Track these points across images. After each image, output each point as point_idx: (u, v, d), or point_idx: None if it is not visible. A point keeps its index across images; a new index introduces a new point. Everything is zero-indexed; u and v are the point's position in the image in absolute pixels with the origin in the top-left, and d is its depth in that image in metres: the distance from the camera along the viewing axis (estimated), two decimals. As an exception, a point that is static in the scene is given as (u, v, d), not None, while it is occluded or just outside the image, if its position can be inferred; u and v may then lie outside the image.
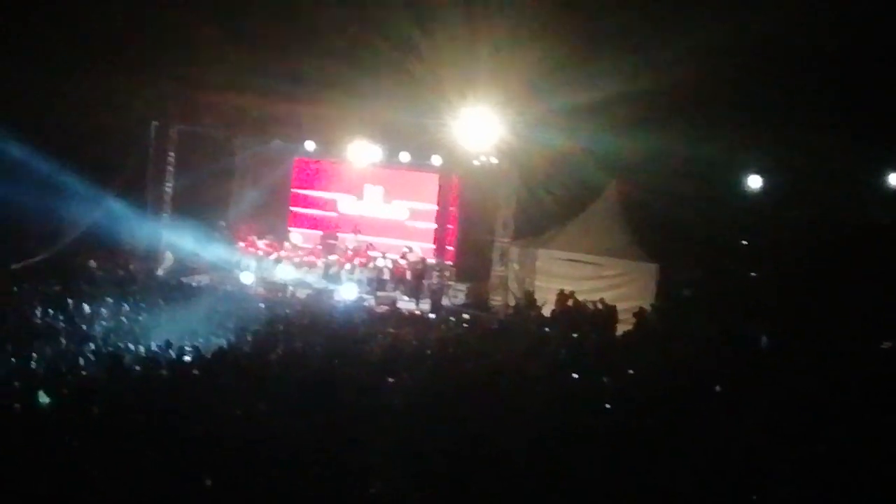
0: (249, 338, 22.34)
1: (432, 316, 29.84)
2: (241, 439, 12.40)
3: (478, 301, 32.47)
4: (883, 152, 28.35)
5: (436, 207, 36.11)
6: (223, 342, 21.47)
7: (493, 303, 30.66)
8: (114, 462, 11.45)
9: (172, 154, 33.87)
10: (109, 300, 25.15)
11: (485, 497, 11.11)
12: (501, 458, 11.99)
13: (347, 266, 35.29)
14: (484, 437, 12.71)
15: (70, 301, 24.27)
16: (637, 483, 11.63)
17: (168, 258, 33.93)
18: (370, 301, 31.91)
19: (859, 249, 27.51)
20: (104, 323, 23.07)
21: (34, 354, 18.57)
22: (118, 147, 30.98)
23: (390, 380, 17.23)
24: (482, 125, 28.74)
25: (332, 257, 35.82)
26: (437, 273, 33.54)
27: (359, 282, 34.43)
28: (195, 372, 17.75)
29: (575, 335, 25.38)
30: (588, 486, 11.55)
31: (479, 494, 11.15)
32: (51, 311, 23.10)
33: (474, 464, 11.72)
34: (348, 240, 37.14)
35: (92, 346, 20.10)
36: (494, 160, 32.19)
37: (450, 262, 35.50)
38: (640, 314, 27.71)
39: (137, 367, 17.92)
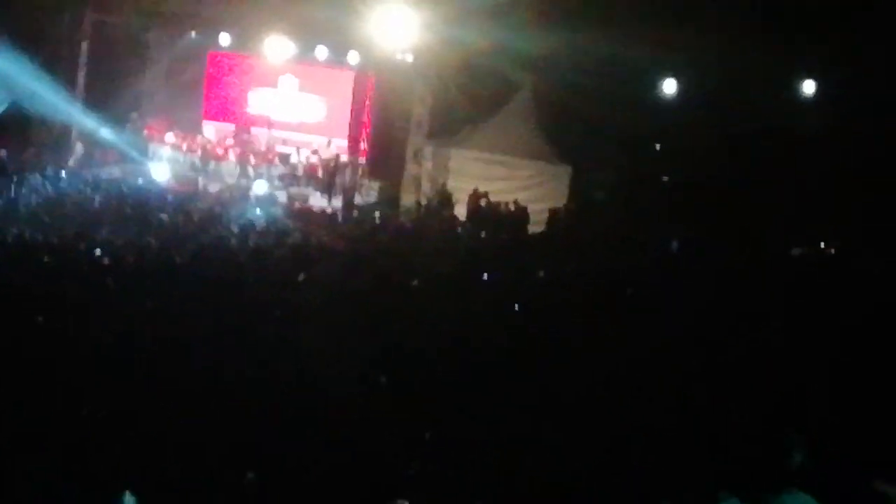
0: (157, 232, 22.13)
1: (344, 213, 29.77)
2: (150, 335, 12.29)
3: (390, 199, 32.30)
4: (799, 58, 28.43)
5: (350, 104, 35.96)
6: (132, 235, 21.30)
7: (406, 202, 30.54)
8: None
9: (85, 45, 33.32)
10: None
11: (402, 394, 11.14)
12: (416, 357, 12.02)
13: (260, 161, 35.06)
14: (399, 334, 12.74)
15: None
16: (546, 384, 11.71)
17: (78, 149, 33.49)
18: (282, 197, 31.70)
19: (772, 155, 27.73)
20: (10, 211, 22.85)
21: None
22: (30, 37, 30.25)
23: (302, 276, 17.17)
24: (398, 22, 28.41)
25: (245, 151, 35.52)
26: (350, 170, 33.35)
27: (271, 177, 34.25)
28: (105, 263, 17.59)
29: (485, 235, 25.47)
30: (499, 387, 11.60)
31: (395, 391, 11.17)
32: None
33: (390, 362, 11.73)
34: (262, 135, 36.81)
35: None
36: (410, 58, 31.90)
37: (363, 160, 35.35)
38: (552, 215, 27.82)
39: (46, 259, 17.69)
